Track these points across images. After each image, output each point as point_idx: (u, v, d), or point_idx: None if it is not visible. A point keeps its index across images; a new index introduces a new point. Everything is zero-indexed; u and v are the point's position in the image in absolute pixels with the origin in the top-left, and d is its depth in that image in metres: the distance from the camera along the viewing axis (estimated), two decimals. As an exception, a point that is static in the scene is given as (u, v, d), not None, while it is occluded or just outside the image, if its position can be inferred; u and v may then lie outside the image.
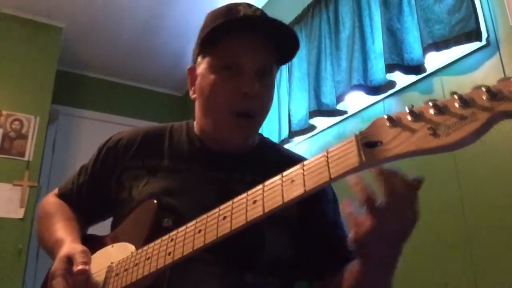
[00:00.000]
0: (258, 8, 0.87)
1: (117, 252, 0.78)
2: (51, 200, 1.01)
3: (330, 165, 0.50)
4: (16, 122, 2.98)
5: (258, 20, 0.85)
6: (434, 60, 1.58)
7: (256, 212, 0.56)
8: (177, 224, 0.72)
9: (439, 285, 1.44)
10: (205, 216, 0.63)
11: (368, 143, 0.47)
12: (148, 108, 4.12)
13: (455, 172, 1.44)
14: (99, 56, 3.76)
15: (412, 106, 0.46)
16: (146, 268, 0.67)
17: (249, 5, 0.86)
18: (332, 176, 0.49)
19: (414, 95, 1.68)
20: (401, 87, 1.74)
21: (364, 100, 1.90)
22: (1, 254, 2.71)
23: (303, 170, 0.53)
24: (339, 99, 1.95)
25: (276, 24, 0.82)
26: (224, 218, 0.59)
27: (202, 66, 0.87)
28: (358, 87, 1.82)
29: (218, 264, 0.75)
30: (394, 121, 0.46)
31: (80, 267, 0.72)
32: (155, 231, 0.74)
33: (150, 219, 0.77)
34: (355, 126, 1.97)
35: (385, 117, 0.47)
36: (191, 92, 0.91)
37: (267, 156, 0.92)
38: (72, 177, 1.01)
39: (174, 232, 0.66)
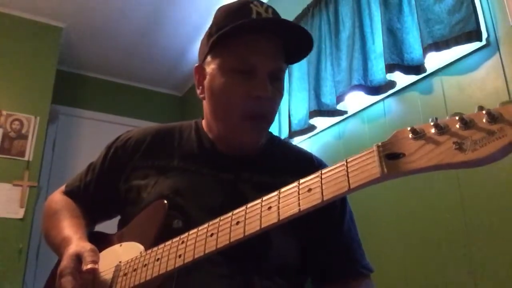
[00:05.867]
0: (269, 6, 0.85)
1: (126, 251, 0.77)
2: (57, 197, 1.00)
3: (349, 175, 0.48)
4: (16, 122, 2.98)
5: (272, 23, 0.83)
6: (434, 60, 1.58)
7: (270, 218, 0.54)
8: (187, 225, 0.71)
9: (439, 285, 1.44)
10: (217, 220, 0.61)
11: (389, 154, 0.46)
12: (148, 108, 4.12)
13: (455, 172, 1.44)
14: (99, 56, 3.76)
15: (436, 118, 0.44)
16: (156, 269, 0.66)
17: (261, 3, 0.84)
18: (352, 186, 0.48)
19: (414, 95, 1.68)
20: (401, 87, 1.74)
21: (364, 100, 1.90)
22: (1, 254, 2.71)
23: (321, 178, 0.51)
24: (339, 99, 1.95)
25: (289, 26, 0.81)
26: (238, 223, 0.58)
27: (211, 66, 0.85)
28: (358, 87, 1.82)
29: (226, 265, 0.74)
30: (417, 133, 0.45)
31: (89, 266, 0.71)
32: (165, 232, 0.73)
33: (159, 219, 0.76)
34: (355, 126, 1.97)
35: (408, 129, 0.45)
36: (198, 91, 0.90)
37: (275, 155, 0.92)
38: (79, 175, 1.00)
39: (185, 234, 0.65)
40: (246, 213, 0.58)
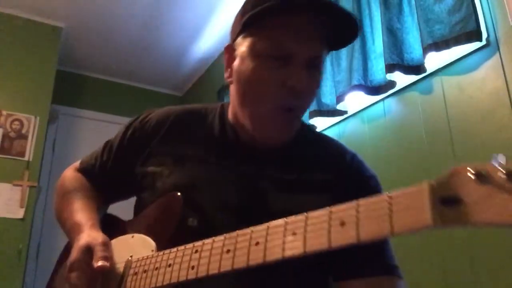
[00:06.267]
0: None
1: (137, 245, 0.75)
2: (71, 174, 0.96)
3: (393, 216, 0.40)
4: (16, 122, 2.98)
5: (313, 4, 0.71)
6: (434, 60, 1.58)
7: (294, 247, 0.48)
8: (202, 224, 0.69)
9: (439, 285, 1.44)
10: (235, 234, 0.56)
11: (445, 199, 0.37)
12: (148, 108, 4.10)
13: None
14: (99, 56, 3.76)
15: (504, 162, 0.36)
16: (167, 277, 0.62)
17: None
18: (395, 231, 0.39)
19: (414, 95, 1.68)
20: (401, 87, 1.74)
21: (364, 100, 1.90)
22: (1, 254, 2.71)
23: (357, 212, 0.43)
24: (339, 99, 1.95)
25: (334, 8, 0.70)
26: (257, 243, 0.51)
27: (243, 47, 0.75)
28: (358, 87, 1.82)
29: (238, 275, 0.71)
30: (483, 177, 0.36)
31: (100, 263, 0.68)
32: (179, 229, 0.71)
33: (174, 216, 0.72)
34: (355, 126, 1.97)
35: (470, 169, 0.37)
36: (226, 74, 0.81)
37: (303, 148, 0.83)
38: (95, 153, 0.95)
39: (200, 243, 0.60)
40: (267, 234, 0.51)
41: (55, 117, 3.57)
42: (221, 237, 0.57)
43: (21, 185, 2.86)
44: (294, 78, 0.70)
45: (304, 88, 0.71)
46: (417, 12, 1.61)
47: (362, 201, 0.44)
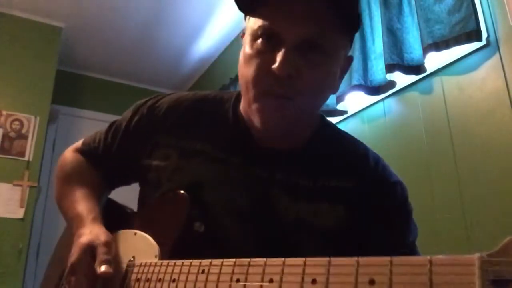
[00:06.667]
0: None
1: (140, 245, 0.71)
2: (71, 156, 0.91)
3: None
4: (16, 122, 2.98)
5: None
6: (434, 60, 1.58)
7: None
8: (209, 230, 0.67)
9: None
10: (246, 262, 0.51)
11: (498, 280, 0.31)
12: (148, 108, 4.12)
13: (455, 171, 1.44)
14: (99, 56, 3.76)
15: None
16: None
17: None
18: None
19: (414, 95, 1.68)
20: (401, 87, 1.74)
21: (364, 100, 1.90)
22: (1, 254, 2.71)
23: (390, 272, 0.37)
24: (339, 99, 1.95)
25: None
26: (271, 281, 0.47)
27: (245, 34, 0.71)
28: (358, 87, 1.82)
29: None
30: None
31: (103, 269, 0.64)
32: (184, 234, 0.67)
33: (179, 218, 0.69)
34: (355, 126, 1.97)
35: None
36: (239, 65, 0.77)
37: (319, 150, 0.75)
38: (99, 134, 0.91)
39: (207, 262, 0.56)
40: (282, 272, 0.46)
41: (55, 117, 3.58)
42: (230, 262, 0.53)
43: (21, 185, 2.86)
44: (277, 62, 0.62)
45: (286, 73, 0.62)
46: (417, 12, 1.61)
47: (397, 259, 0.37)
